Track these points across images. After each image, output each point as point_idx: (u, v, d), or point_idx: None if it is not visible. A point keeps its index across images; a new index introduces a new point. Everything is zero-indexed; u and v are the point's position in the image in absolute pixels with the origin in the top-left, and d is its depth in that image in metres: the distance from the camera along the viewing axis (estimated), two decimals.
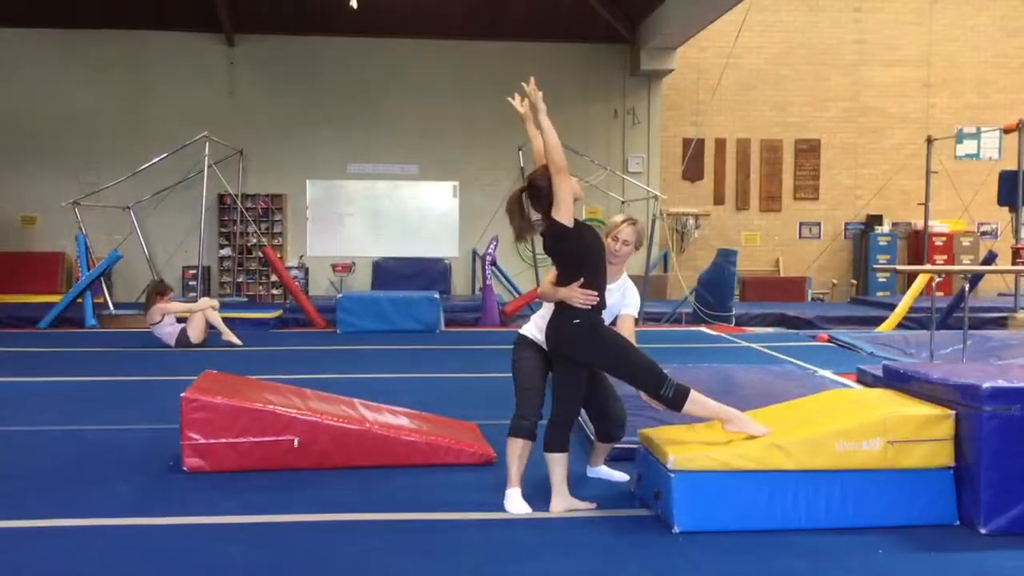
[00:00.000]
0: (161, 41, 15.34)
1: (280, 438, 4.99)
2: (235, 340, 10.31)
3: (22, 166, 15.14)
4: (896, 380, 4.68)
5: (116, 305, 13.06)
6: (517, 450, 4.31)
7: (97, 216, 14.17)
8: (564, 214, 4.12)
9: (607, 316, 4.43)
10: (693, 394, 4.17)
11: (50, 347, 10.19)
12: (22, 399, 7.13)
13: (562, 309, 4.21)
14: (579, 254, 4.18)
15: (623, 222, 4.62)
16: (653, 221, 14.12)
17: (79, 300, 12.31)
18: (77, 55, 15.26)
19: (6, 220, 15.08)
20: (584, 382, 4.34)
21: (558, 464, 4.29)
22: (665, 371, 4.18)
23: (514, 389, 4.45)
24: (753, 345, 10.53)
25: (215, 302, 10.65)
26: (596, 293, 4.17)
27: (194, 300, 11.52)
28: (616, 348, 4.24)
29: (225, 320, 10.51)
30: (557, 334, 4.23)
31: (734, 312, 13.02)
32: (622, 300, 4.64)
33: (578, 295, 4.13)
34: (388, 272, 15.63)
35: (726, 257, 12.94)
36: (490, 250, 13.26)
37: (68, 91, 15.24)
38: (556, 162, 4.07)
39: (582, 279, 4.14)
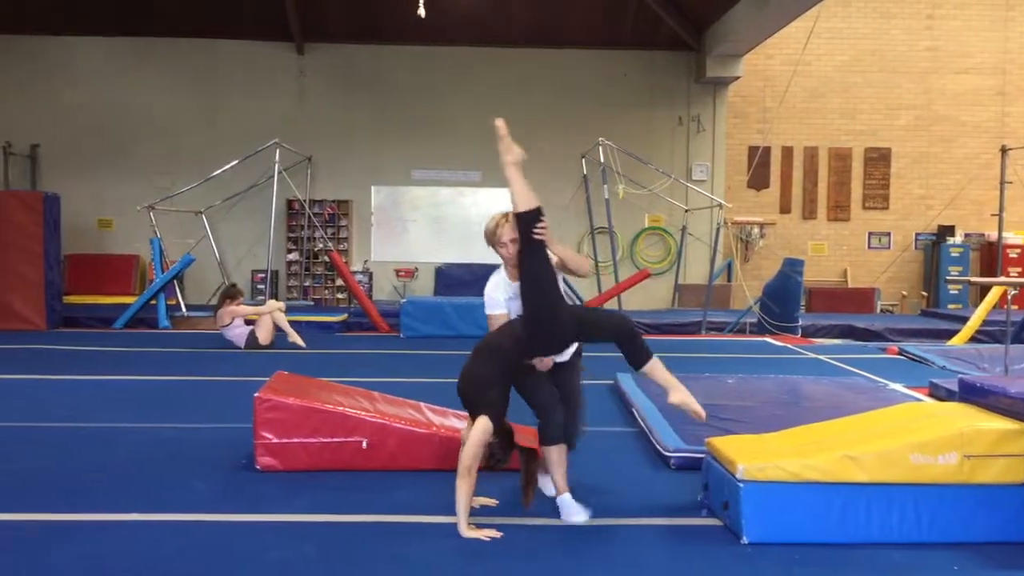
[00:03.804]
0: (234, 50, 15.73)
1: (349, 439, 5.08)
2: (300, 342, 10.48)
3: (100, 171, 15.63)
4: (972, 394, 4.58)
5: (188, 307, 13.38)
6: (563, 455, 4.37)
7: (171, 220, 14.56)
8: None
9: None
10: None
11: (125, 347, 10.48)
12: (100, 396, 7.35)
13: None
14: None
15: (501, 222, 4.42)
16: (717, 230, 14.01)
17: (153, 302, 12.65)
18: (154, 63, 15.71)
19: (85, 223, 15.57)
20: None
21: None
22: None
23: (531, 396, 4.42)
24: (820, 357, 10.37)
25: (282, 304, 10.91)
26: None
27: (262, 303, 11.78)
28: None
29: (292, 323, 10.73)
30: None
31: (800, 323, 12.84)
32: None
33: (545, 363, 4.36)
34: (450, 278, 15.75)
35: (792, 267, 12.76)
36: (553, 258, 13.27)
37: (145, 98, 15.70)
38: None
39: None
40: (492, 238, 4.46)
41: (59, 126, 15.60)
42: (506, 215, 4.43)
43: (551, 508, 4.41)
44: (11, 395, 7.36)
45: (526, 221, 4.21)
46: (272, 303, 10.81)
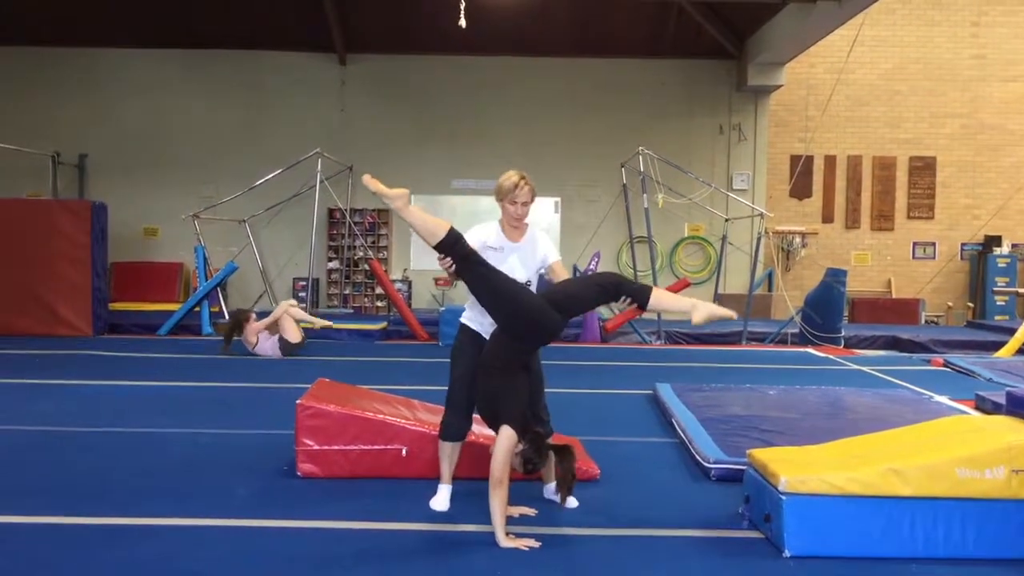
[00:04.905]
0: (277, 61, 15.94)
1: (389, 447, 5.11)
2: (326, 323, 11.26)
3: (147, 180, 15.91)
4: (1020, 407, 4.49)
5: (231, 315, 13.52)
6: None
7: (215, 229, 14.75)
8: None
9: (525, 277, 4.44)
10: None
11: (169, 353, 10.63)
12: (145, 402, 7.47)
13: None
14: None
15: (520, 183, 4.41)
16: (758, 239, 13.89)
17: (197, 309, 12.82)
18: (199, 75, 15.96)
19: (131, 231, 15.84)
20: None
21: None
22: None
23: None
24: (864, 368, 10.23)
25: (292, 300, 11.19)
26: None
27: (304, 311, 11.93)
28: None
29: (332, 331, 10.91)
30: None
31: (843, 334, 12.68)
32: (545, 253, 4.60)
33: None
34: None
35: (835, 277, 12.62)
36: (592, 265, 13.25)
37: (189, 109, 15.96)
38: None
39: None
40: (508, 194, 4.42)
41: (107, 136, 15.90)
42: (522, 175, 4.44)
43: (590, 518, 4.39)
44: (58, 399, 7.50)
45: (450, 245, 4.14)
46: (282, 304, 10.93)
